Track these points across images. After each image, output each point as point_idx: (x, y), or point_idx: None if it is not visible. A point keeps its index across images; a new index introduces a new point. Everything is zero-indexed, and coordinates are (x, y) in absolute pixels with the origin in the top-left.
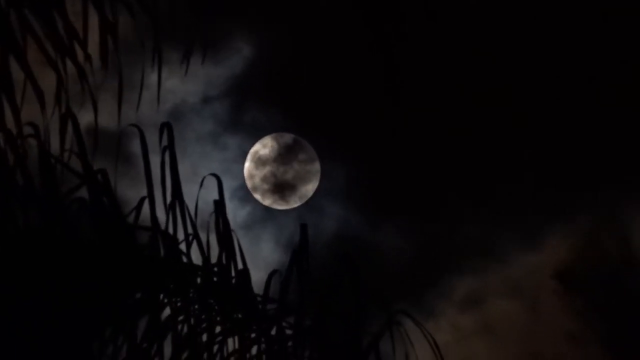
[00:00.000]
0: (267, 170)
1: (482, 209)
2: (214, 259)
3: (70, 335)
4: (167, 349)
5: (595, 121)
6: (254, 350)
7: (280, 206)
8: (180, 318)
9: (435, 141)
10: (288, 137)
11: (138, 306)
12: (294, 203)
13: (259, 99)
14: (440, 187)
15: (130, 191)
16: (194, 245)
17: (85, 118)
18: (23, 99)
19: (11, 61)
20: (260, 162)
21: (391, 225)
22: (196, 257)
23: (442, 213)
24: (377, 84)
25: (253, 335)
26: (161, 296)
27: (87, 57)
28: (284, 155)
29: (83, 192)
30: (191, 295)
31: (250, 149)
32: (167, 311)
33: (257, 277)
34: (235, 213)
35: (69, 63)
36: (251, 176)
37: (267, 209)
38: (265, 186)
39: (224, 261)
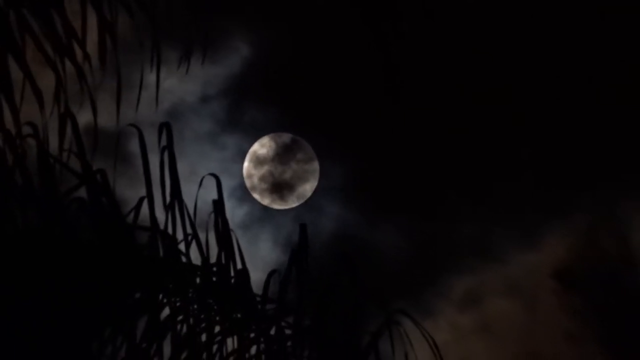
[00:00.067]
0: (265, 169)
1: (481, 208)
2: (213, 258)
3: (70, 335)
4: (167, 349)
5: (594, 120)
6: (253, 350)
7: (279, 206)
8: (180, 318)
9: (434, 140)
10: (286, 137)
11: (137, 306)
12: (293, 203)
13: (258, 98)
14: (439, 186)
15: (129, 191)
16: (193, 245)
17: (84, 118)
18: (22, 98)
19: (10, 61)
20: (258, 161)
21: (390, 225)
22: (195, 257)
23: (441, 212)
24: (375, 83)
25: (252, 335)
26: (160, 296)
27: (86, 56)
28: (282, 155)
29: (82, 192)
30: (190, 295)
31: (248, 148)
32: (166, 311)
33: (255, 277)
34: (234, 212)
35: (67, 63)
36: (249, 176)
37: (266, 208)
38: (264, 186)
39: (223, 261)
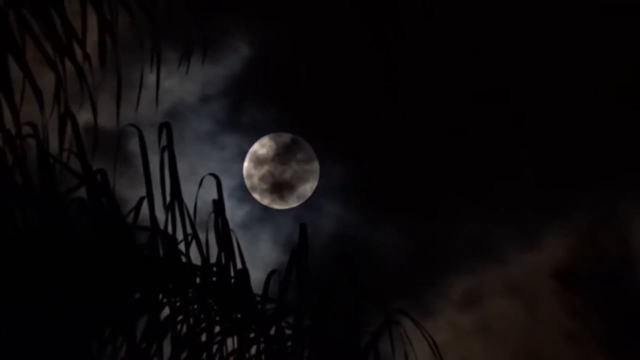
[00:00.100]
0: (265, 169)
1: (481, 208)
2: (213, 258)
3: (70, 335)
4: (167, 349)
5: (594, 120)
6: (253, 350)
7: (279, 206)
8: (180, 318)
9: (434, 140)
10: (286, 137)
11: (137, 306)
12: (293, 203)
13: (257, 98)
14: (439, 186)
15: (129, 191)
16: (193, 245)
17: (83, 118)
18: (22, 98)
19: (10, 61)
20: (258, 161)
21: (390, 225)
22: (195, 257)
23: (441, 212)
24: (375, 83)
25: (252, 335)
26: (160, 296)
27: (86, 56)
28: (283, 155)
29: (82, 192)
30: (190, 295)
31: (248, 148)
32: (166, 311)
33: (255, 277)
34: (234, 213)
35: (67, 63)
36: (249, 176)
37: (266, 208)
38: (264, 186)
39: (223, 261)
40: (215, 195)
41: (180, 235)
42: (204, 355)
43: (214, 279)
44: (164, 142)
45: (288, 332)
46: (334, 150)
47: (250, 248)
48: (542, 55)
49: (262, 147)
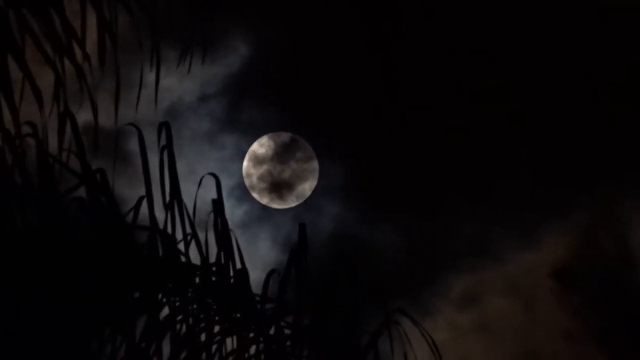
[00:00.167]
0: (264, 169)
1: (479, 207)
2: (212, 258)
3: (69, 335)
4: (166, 349)
5: (592, 119)
6: (253, 349)
7: (278, 205)
8: (179, 318)
9: (433, 139)
10: (285, 136)
11: (136, 306)
12: (292, 202)
13: (256, 97)
14: (438, 185)
15: (128, 190)
16: (193, 245)
17: (83, 117)
18: (21, 98)
19: (9, 60)
20: (257, 161)
21: (389, 224)
22: (195, 257)
23: (439, 211)
24: (374, 82)
25: (251, 334)
26: (160, 296)
27: (85, 56)
28: (282, 154)
29: (81, 192)
30: (190, 294)
31: (247, 147)
32: (165, 311)
33: (254, 276)
34: (233, 212)
35: (67, 62)
36: (248, 175)
37: (265, 207)
38: (263, 185)
39: (222, 261)
40: (214, 195)
41: (179, 235)
42: (203, 355)
43: (214, 278)
44: (163, 142)
45: (287, 331)
46: (333, 150)
47: (249, 247)
48: (541, 55)
49: (261, 146)
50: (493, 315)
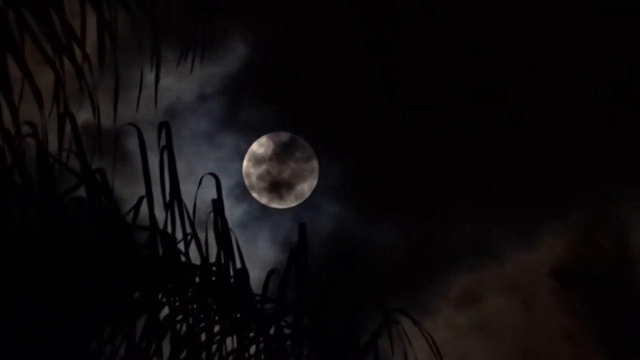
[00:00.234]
0: (263, 168)
1: (478, 207)
2: (212, 258)
3: (69, 335)
4: (166, 349)
5: (592, 118)
6: (253, 349)
7: (277, 205)
8: (179, 317)
9: (432, 139)
10: (285, 136)
11: (136, 305)
12: (291, 202)
13: (255, 97)
14: (437, 184)
15: (128, 190)
16: (193, 245)
17: (82, 117)
18: (21, 98)
19: (9, 60)
20: (256, 160)
21: (388, 224)
22: (194, 257)
23: (439, 210)
24: (374, 81)
25: (251, 334)
26: (160, 295)
27: (85, 56)
28: (281, 154)
29: (81, 192)
30: (190, 294)
31: (246, 147)
32: (165, 310)
33: (253, 276)
34: (232, 212)
35: (66, 62)
36: (248, 175)
37: (264, 207)
38: (262, 185)
39: (222, 260)
40: (214, 195)
41: (179, 235)
42: (204, 355)
43: (213, 278)
44: (163, 142)
45: (287, 331)
46: (332, 149)
47: (248, 247)
48: (541, 55)
49: (260, 146)
50: (492, 315)
